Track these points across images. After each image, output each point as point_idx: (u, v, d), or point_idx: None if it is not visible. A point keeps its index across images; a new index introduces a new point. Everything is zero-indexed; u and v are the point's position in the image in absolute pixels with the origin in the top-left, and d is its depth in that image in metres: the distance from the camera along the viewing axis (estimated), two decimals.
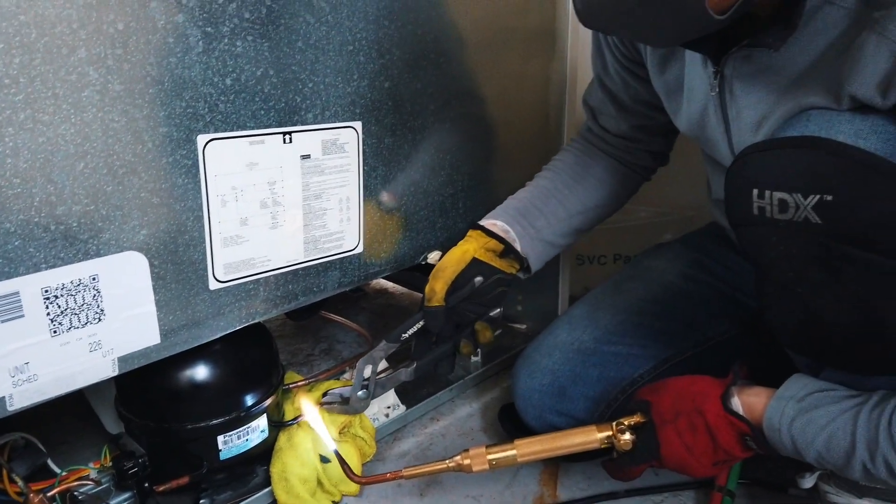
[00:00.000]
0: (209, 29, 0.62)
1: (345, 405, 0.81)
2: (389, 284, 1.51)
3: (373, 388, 0.82)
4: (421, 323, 0.82)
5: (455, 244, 0.87)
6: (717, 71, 0.65)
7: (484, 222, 0.88)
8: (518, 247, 0.86)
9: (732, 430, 0.62)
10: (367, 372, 0.81)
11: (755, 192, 0.55)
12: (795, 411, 0.59)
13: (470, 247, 0.84)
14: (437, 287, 0.81)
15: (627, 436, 0.66)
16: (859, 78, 0.52)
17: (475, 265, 0.83)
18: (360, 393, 0.82)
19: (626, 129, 0.92)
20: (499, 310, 0.87)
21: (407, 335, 0.82)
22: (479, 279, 0.82)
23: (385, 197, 0.84)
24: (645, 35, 0.61)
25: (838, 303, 0.54)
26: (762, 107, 0.62)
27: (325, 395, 0.83)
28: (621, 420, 0.68)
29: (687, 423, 0.64)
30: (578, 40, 1.07)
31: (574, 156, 0.95)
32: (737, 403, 0.63)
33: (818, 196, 0.51)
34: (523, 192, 0.92)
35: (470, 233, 0.87)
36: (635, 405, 0.69)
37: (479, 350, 1.14)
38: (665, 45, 0.70)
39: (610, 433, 0.67)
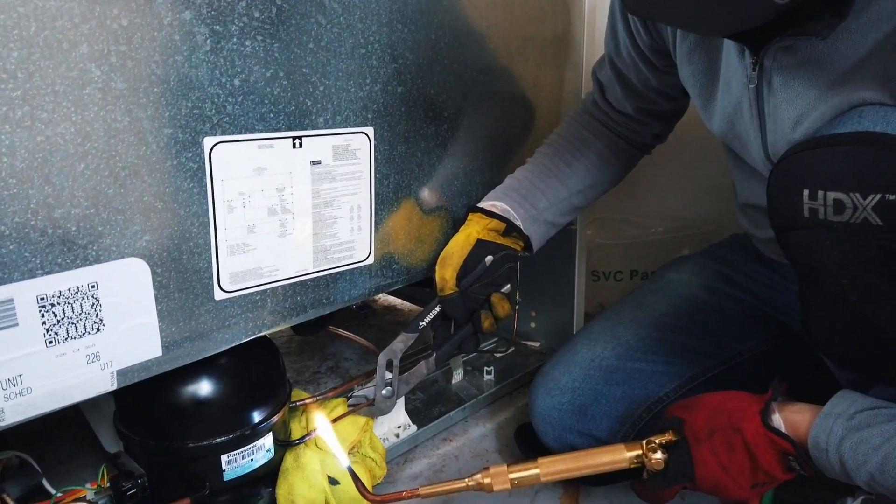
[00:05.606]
0: (217, 27, 0.60)
1: (370, 406, 0.80)
2: (398, 301, 1.48)
3: (397, 386, 0.80)
4: (437, 309, 0.82)
5: None
6: (757, 62, 0.61)
7: (483, 204, 0.85)
8: (520, 225, 0.84)
9: (773, 449, 0.58)
10: (389, 373, 0.80)
11: (806, 192, 0.51)
12: (844, 430, 0.55)
13: (472, 230, 0.82)
14: (447, 275, 0.79)
15: (659, 455, 0.62)
16: None
17: (481, 246, 0.81)
18: (384, 391, 0.80)
19: (630, 111, 0.90)
20: (508, 285, 0.84)
21: (424, 323, 0.81)
22: (489, 258, 0.80)
23: (397, 206, 0.82)
24: (696, 24, 0.59)
25: None
26: (802, 102, 0.59)
27: (349, 397, 0.81)
28: (652, 438, 0.64)
29: (723, 441, 0.60)
30: (593, 49, 1.05)
31: (575, 130, 0.92)
32: (778, 421, 0.59)
33: (879, 195, 0.47)
34: (523, 172, 0.89)
35: (470, 216, 0.84)
36: (667, 423, 0.65)
37: (491, 368, 1.11)
38: (717, 33, 0.66)
39: (640, 452, 0.63)
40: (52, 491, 0.71)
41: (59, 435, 0.84)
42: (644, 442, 0.64)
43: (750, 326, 0.86)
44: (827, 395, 0.60)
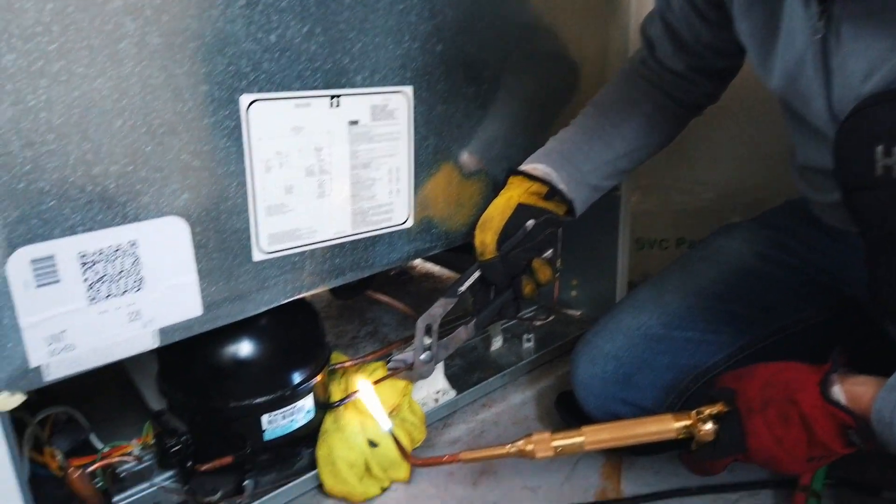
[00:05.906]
0: None
1: (409, 371, 0.80)
2: (436, 268, 1.46)
3: (436, 351, 0.80)
4: (477, 274, 0.80)
5: None
6: (824, 11, 0.57)
7: (525, 167, 0.83)
8: (563, 188, 0.81)
9: (832, 422, 0.55)
10: (428, 337, 0.80)
11: (880, 148, 0.47)
12: None
13: (514, 193, 0.79)
14: (488, 239, 0.78)
15: (709, 426, 0.60)
16: None
17: (522, 210, 0.78)
18: (423, 356, 0.80)
19: (681, 68, 0.85)
20: (550, 251, 0.82)
21: (463, 288, 0.80)
22: (530, 222, 0.78)
23: (437, 169, 0.80)
24: None
25: None
26: (874, 54, 0.54)
27: (388, 361, 0.81)
28: (702, 409, 0.61)
29: (777, 413, 0.57)
30: (642, 5, 1.00)
31: (622, 90, 0.88)
32: (838, 392, 0.55)
33: None
34: (566, 133, 0.86)
35: (511, 179, 0.82)
36: (718, 393, 0.62)
37: (531, 336, 1.09)
38: None
39: (689, 423, 0.61)
40: (100, 445, 0.73)
41: (107, 392, 0.86)
42: (694, 412, 0.61)
43: (805, 295, 0.81)
44: (887, 369, 0.56)
